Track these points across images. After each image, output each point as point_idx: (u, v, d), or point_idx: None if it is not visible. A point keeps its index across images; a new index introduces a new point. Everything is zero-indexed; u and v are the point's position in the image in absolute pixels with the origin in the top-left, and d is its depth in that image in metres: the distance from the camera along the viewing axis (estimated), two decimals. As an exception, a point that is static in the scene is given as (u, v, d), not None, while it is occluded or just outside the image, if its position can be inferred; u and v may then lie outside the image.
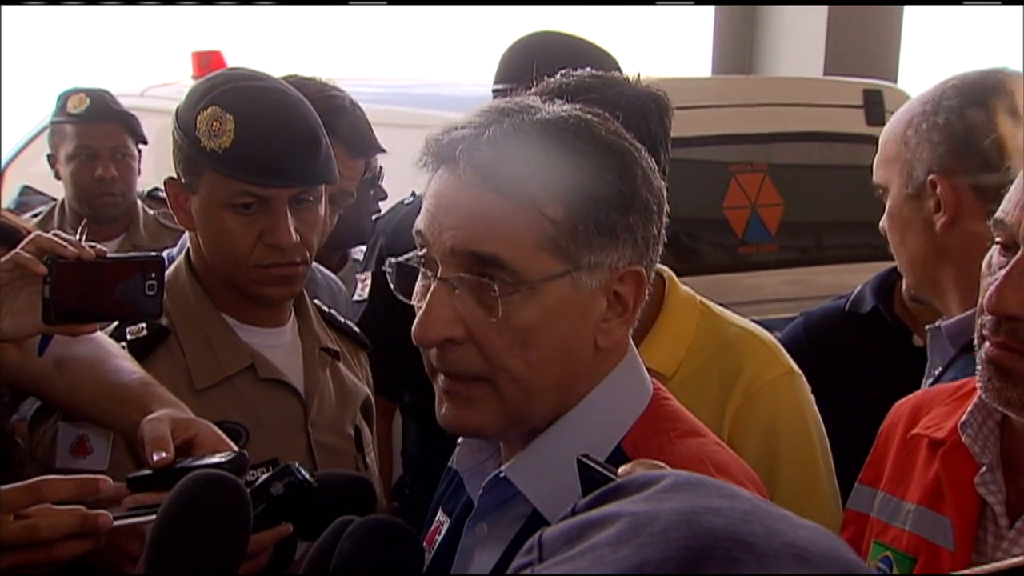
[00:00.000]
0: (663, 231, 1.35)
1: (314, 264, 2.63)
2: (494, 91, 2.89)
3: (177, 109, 1.98)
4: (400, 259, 1.35)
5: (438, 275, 1.29)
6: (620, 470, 1.13)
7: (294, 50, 7.14)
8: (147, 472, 1.51)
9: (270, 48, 6.91)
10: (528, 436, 1.35)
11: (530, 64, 1.99)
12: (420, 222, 1.31)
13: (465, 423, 1.33)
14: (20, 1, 6.03)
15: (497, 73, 2.95)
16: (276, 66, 2.30)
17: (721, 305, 2.13)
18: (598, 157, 1.27)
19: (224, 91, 1.92)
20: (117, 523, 1.39)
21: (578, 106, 1.34)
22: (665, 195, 1.35)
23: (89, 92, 3.84)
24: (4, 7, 5.17)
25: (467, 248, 1.26)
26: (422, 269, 1.32)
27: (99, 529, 1.38)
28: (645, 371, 1.42)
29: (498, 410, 1.31)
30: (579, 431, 1.33)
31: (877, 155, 2.08)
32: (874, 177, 2.08)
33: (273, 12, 7.13)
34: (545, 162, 1.25)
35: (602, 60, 2.44)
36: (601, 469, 1.14)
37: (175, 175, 1.99)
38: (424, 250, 1.31)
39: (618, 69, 2.27)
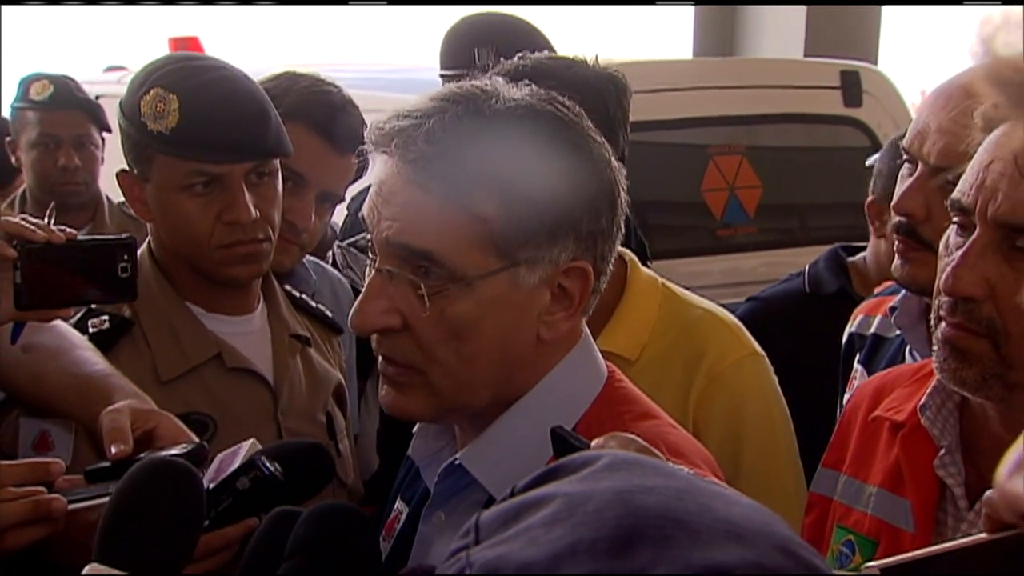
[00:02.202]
0: (618, 223, 1.34)
1: (316, 261, 2.60)
2: (442, 76, 2.87)
3: (121, 100, 1.95)
4: (344, 243, 1.35)
5: (375, 265, 1.29)
6: (594, 443, 1.13)
7: (277, 42, 7.13)
8: (105, 464, 1.50)
9: (252, 39, 6.90)
10: (481, 423, 1.35)
11: (477, 47, 1.96)
12: (364, 208, 1.31)
13: (400, 407, 1.34)
14: (20, 1, 6.01)
15: (442, 58, 2.92)
16: (258, 58, 2.30)
17: (700, 288, 2.13)
18: (541, 151, 1.26)
19: (164, 72, 1.90)
20: (72, 507, 1.38)
21: (540, 91, 1.32)
22: (620, 186, 1.33)
23: (52, 79, 3.79)
24: (4, 7, 5.13)
25: (401, 241, 1.26)
26: (368, 254, 1.32)
27: (53, 514, 1.37)
28: (599, 355, 1.42)
29: (431, 398, 1.31)
30: (533, 417, 1.32)
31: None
32: None
33: (271, 6, 7.11)
34: (483, 157, 1.24)
35: (543, 41, 2.42)
36: (574, 441, 1.14)
37: (127, 167, 1.96)
38: (369, 236, 1.31)
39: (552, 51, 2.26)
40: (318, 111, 2.27)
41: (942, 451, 1.45)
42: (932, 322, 1.41)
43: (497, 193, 1.24)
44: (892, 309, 2.05)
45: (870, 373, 2.10)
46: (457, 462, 1.34)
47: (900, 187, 1.91)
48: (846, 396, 2.15)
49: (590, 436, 1.27)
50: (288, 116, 2.05)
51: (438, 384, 1.30)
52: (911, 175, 1.89)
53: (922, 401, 1.49)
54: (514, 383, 1.33)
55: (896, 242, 1.93)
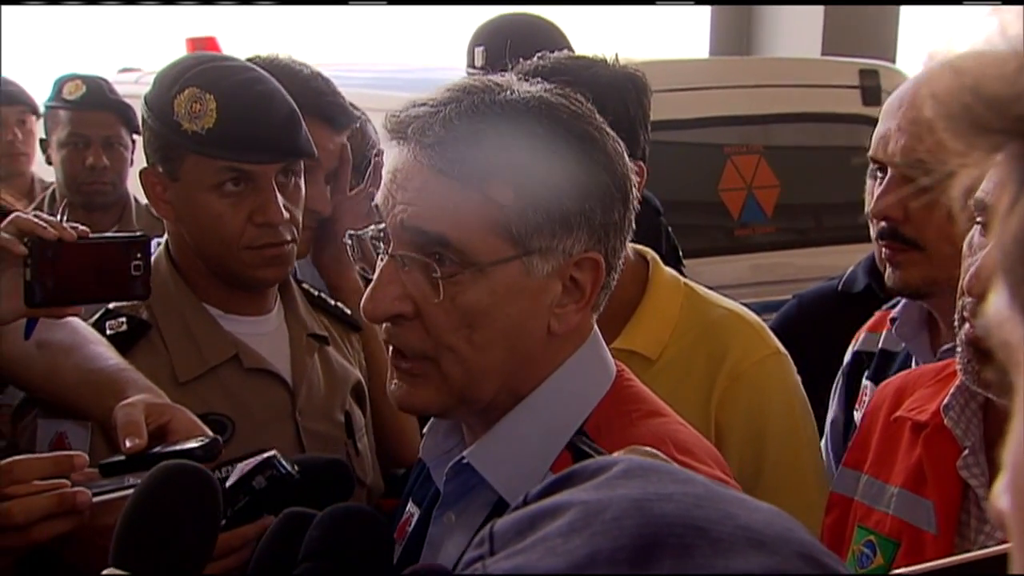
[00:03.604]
0: (629, 218, 1.33)
1: None
2: (468, 74, 2.90)
3: (145, 97, 1.95)
4: (358, 232, 1.35)
5: (388, 251, 1.29)
6: (615, 456, 1.11)
7: (276, 42, 7.11)
8: (120, 458, 1.50)
9: (251, 40, 6.90)
10: (489, 420, 1.34)
11: (501, 47, 1.96)
12: (378, 196, 1.32)
13: (410, 399, 1.33)
14: (20, 1, 6.03)
15: (468, 56, 2.95)
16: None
17: (718, 288, 2.11)
18: (556, 141, 1.26)
19: (197, 72, 1.90)
20: (96, 499, 1.39)
21: (553, 86, 1.32)
22: (632, 182, 1.33)
23: (86, 79, 3.82)
24: (4, 7, 5.15)
25: (416, 225, 1.26)
26: (381, 244, 1.32)
27: (78, 507, 1.38)
28: (608, 354, 1.41)
29: (442, 389, 1.30)
30: (540, 415, 1.32)
31: None
32: None
33: (271, 6, 7.12)
34: (498, 144, 1.24)
35: (563, 41, 2.42)
36: (594, 453, 1.13)
37: (150, 165, 1.95)
38: (383, 224, 1.31)
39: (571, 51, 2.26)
40: (316, 100, 2.26)
41: (966, 451, 1.44)
42: (956, 323, 1.40)
43: (513, 180, 1.24)
44: (893, 320, 2.03)
45: None
46: (464, 460, 1.33)
47: (874, 194, 1.92)
48: (856, 414, 2.11)
49: (598, 435, 1.27)
50: None
51: (449, 373, 1.29)
52: (882, 182, 1.91)
53: (945, 401, 1.47)
54: (523, 377, 1.32)
55: (883, 250, 1.93)
